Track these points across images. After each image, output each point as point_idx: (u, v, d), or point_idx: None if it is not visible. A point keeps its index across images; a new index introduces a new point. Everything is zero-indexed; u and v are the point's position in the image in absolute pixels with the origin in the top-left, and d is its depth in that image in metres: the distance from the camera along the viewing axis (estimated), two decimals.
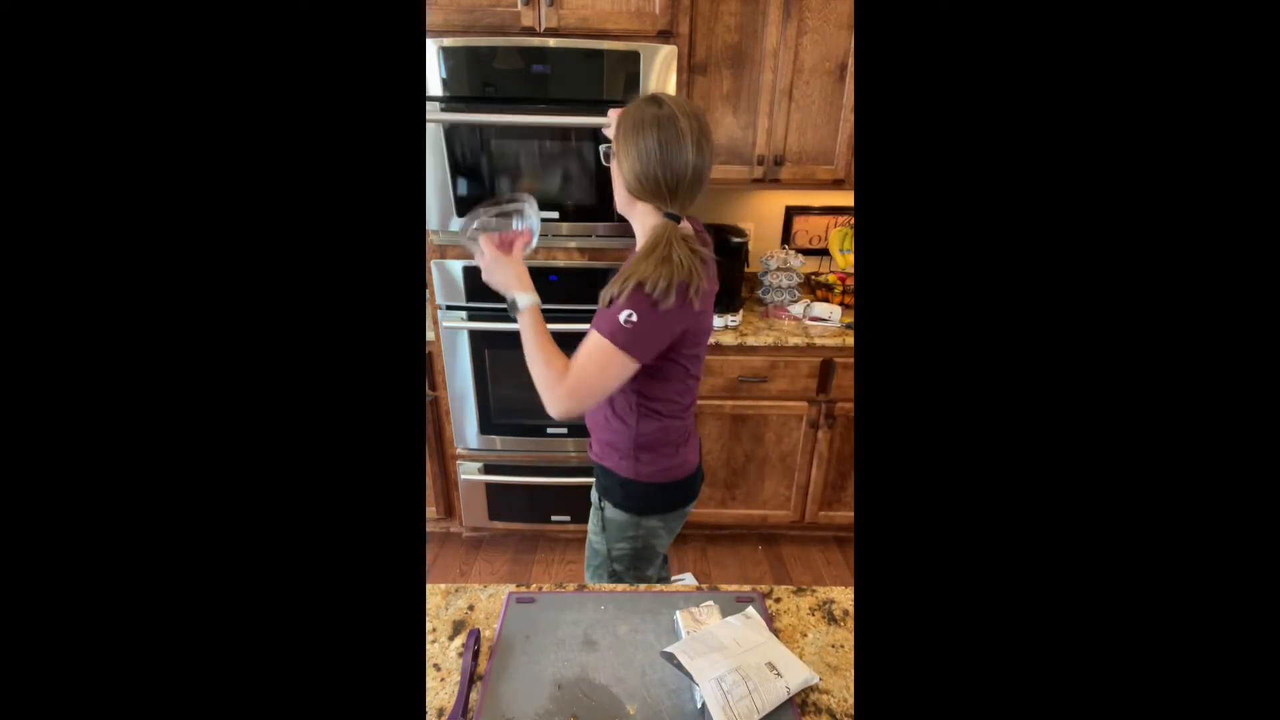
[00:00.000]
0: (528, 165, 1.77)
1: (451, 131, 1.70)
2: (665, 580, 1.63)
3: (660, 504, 1.22)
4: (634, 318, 0.98)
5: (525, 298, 1.08)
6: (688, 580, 2.10)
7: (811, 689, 0.83)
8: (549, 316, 1.94)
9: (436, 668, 0.86)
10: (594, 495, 1.28)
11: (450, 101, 1.68)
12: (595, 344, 1.01)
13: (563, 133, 1.72)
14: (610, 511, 1.23)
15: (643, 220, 1.08)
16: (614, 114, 1.09)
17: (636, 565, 1.27)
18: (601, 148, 1.13)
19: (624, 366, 1.01)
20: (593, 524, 1.28)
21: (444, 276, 1.86)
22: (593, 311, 1.10)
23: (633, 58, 1.65)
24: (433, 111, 1.68)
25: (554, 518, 2.17)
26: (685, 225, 1.08)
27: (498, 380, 1.98)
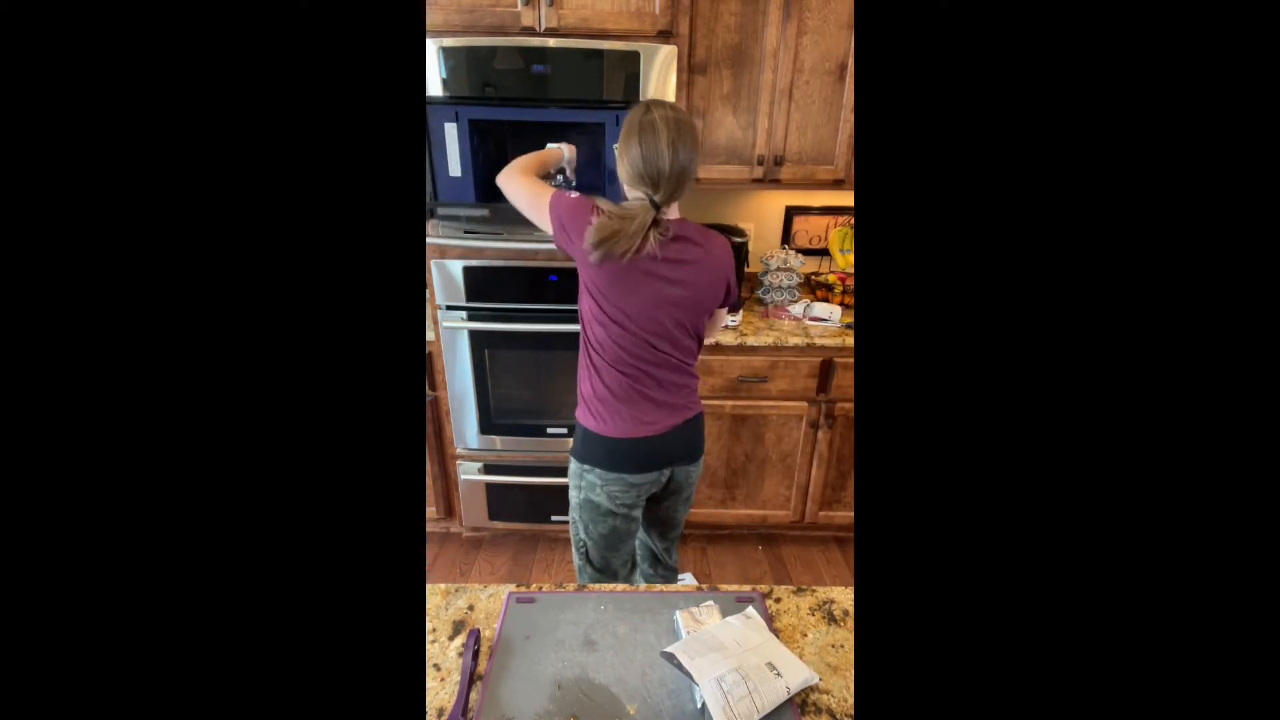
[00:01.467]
0: None
1: (452, 131, 1.70)
2: (664, 577, 1.63)
3: (590, 455, 1.33)
4: (573, 196, 1.23)
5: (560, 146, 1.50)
6: (688, 580, 2.10)
7: (811, 689, 0.83)
8: (550, 316, 1.95)
9: (436, 668, 0.86)
10: None
11: (450, 101, 1.68)
12: (544, 188, 1.29)
13: (561, 132, 1.72)
14: (572, 459, 1.39)
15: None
16: None
17: (584, 519, 1.39)
18: (615, 145, 1.32)
19: (537, 197, 1.27)
20: None
21: (444, 276, 1.86)
22: None
23: (633, 58, 1.65)
24: (433, 110, 1.67)
25: (554, 518, 2.17)
26: (671, 223, 1.22)
27: (498, 380, 1.98)
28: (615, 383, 1.28)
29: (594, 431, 1.31)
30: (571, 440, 2.05)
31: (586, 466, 1.34)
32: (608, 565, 1.44)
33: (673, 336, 1.26)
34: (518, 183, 1.31)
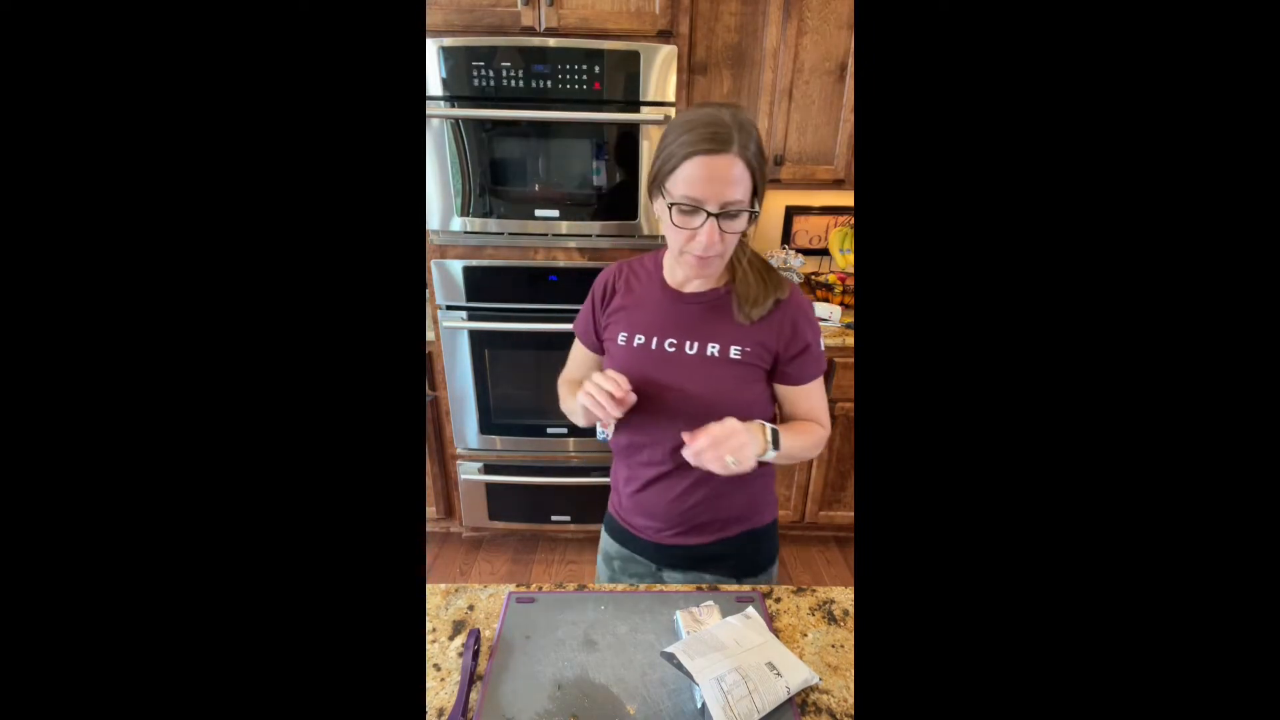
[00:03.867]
0: (528, 165, 1.77)
1: (452, 131, 1.70)
2: None
3: None
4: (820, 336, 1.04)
5: (773, 439, 0.95)
6: None
7: (811, 689, 0.83)
8: (550, 316, 1.94)
9: (436, 668, 0.86)
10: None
11: (450, 101, 1.68)
12: (819, 386, 1.05)
13: (562, 132, 1.72)
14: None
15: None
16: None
17: None
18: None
19: None
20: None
21: (444, 276, 1.86)
22: None
23: (633, 58, 1.65)
24: (433, 110, 1.68)
25: (554, 518, 2.17)
26: None
27: (498, 380, 1.98)
28: None
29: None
30: (570, 440, 2.08)
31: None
32: None
33: None
34: (826, 415, 1.06)
